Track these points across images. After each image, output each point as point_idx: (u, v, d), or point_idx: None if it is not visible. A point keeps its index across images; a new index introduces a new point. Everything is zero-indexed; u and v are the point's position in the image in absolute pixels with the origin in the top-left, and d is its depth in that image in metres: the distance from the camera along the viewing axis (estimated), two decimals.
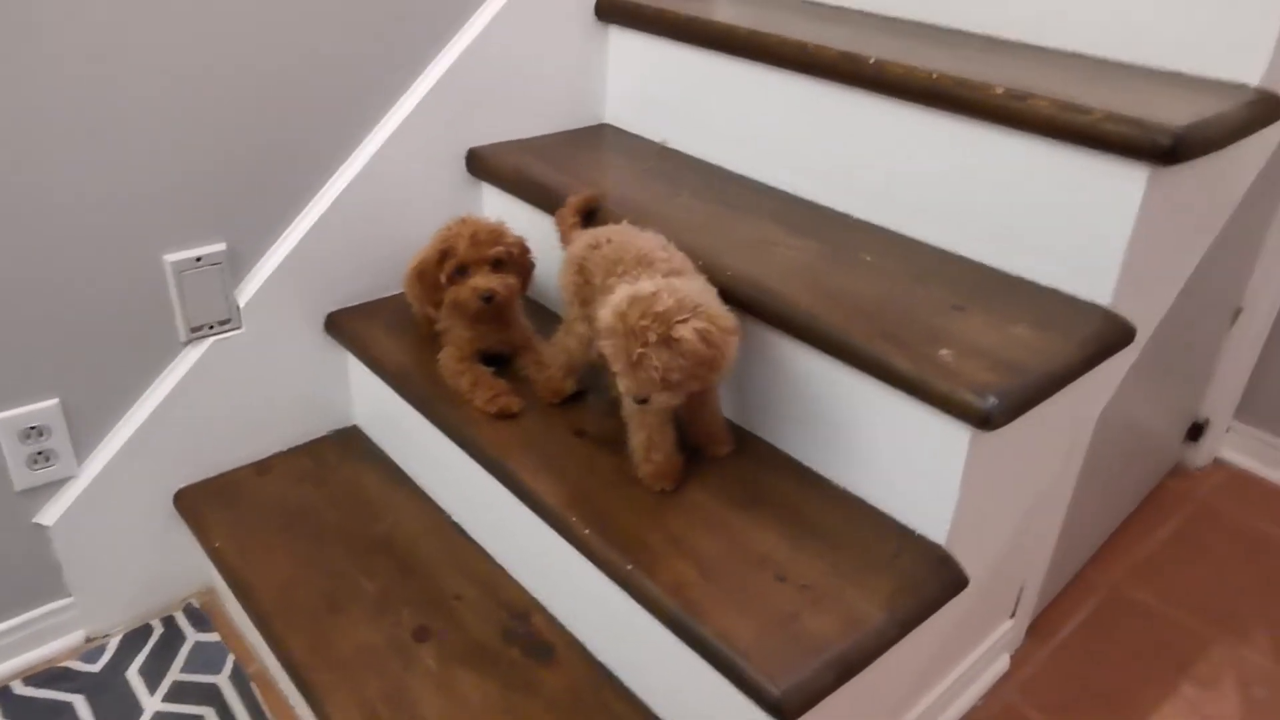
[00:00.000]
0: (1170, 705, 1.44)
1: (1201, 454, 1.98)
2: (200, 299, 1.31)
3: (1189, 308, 1.45)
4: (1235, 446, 1.99)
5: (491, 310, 1.23)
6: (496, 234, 1.22)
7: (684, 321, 0.94)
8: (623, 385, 1.00)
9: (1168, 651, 1.53)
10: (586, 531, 1.05)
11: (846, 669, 0.89)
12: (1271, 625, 1.60)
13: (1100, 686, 1.46)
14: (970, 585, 1.03)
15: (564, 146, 1.55)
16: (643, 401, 0.99)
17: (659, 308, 0.94)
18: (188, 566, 1.43)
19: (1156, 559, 1.74)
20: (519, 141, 1.55)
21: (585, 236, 1.18)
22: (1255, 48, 1.12)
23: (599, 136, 1.61)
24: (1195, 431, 1.96)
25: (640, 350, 0.94)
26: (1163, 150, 0.98)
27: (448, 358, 1.30)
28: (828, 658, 0.88)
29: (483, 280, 1.20)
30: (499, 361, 1.32)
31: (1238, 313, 1.82)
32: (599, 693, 1.11)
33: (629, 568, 0.99)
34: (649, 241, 1.11)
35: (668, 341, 0.93)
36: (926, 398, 0.97)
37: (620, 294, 0.98)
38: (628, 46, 1.56)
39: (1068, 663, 1.50)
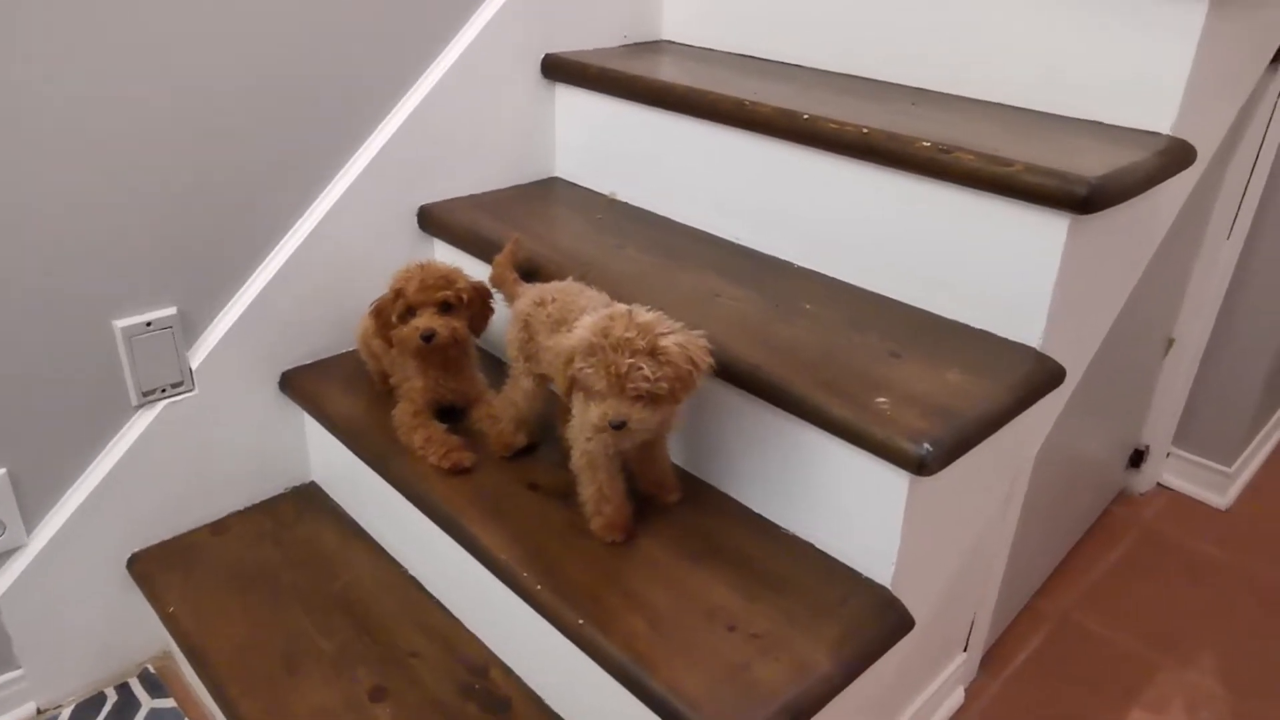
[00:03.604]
0: None
1: (1144, 480, 2.04)
2: (151, 363, 1.31)
3: (1123, 340, 1.50)
4: (1175, 471, 2.06)
5: (434, 351, 1.25)
6: (446, 279, 1.24)
7: (666, 334, 0.97)
8: (600, 412, 0.97)
9: (1118, 678, 1.57)
10: (538, 586, 1.06)
11: (795, 716, 0.91)
12: (1216, 648, 1.64)
13: (1054, 715, 1.49)
14: (917, 624, 1.06)
15: (514, 201, 1.58)
16: (619, 426, 0.96)
17: (640, 320, 0.97)
18: (143, 631, 1.41)
19: (1104, 585, 1.78)
20: (470, 197, 1.57)
21: (532, 293, 1.21)
22: (1165, 97, 1.18)
23: (549, 190, 1.64)
24: (1137, 458, 2.02)
25: (630, 360, 0.94)
26: (1079, 200, 1.03)
27: (402, 413, 1.31)
28: (776, 707, 0.90)
29: (424, 320, 1.22)
30: (454, 415, 1.34)
31: (1170, 343, 1.89)
32: None
33: (580, 622, 1.00)
34: (593, 299, 1.14)
35: (653, 351, 0.96)
36: (866, 446, 1.00)
37: (591, 318, 0.99)
38: (575, 103, 1.60)
39: (1021, 693, 1.53)
